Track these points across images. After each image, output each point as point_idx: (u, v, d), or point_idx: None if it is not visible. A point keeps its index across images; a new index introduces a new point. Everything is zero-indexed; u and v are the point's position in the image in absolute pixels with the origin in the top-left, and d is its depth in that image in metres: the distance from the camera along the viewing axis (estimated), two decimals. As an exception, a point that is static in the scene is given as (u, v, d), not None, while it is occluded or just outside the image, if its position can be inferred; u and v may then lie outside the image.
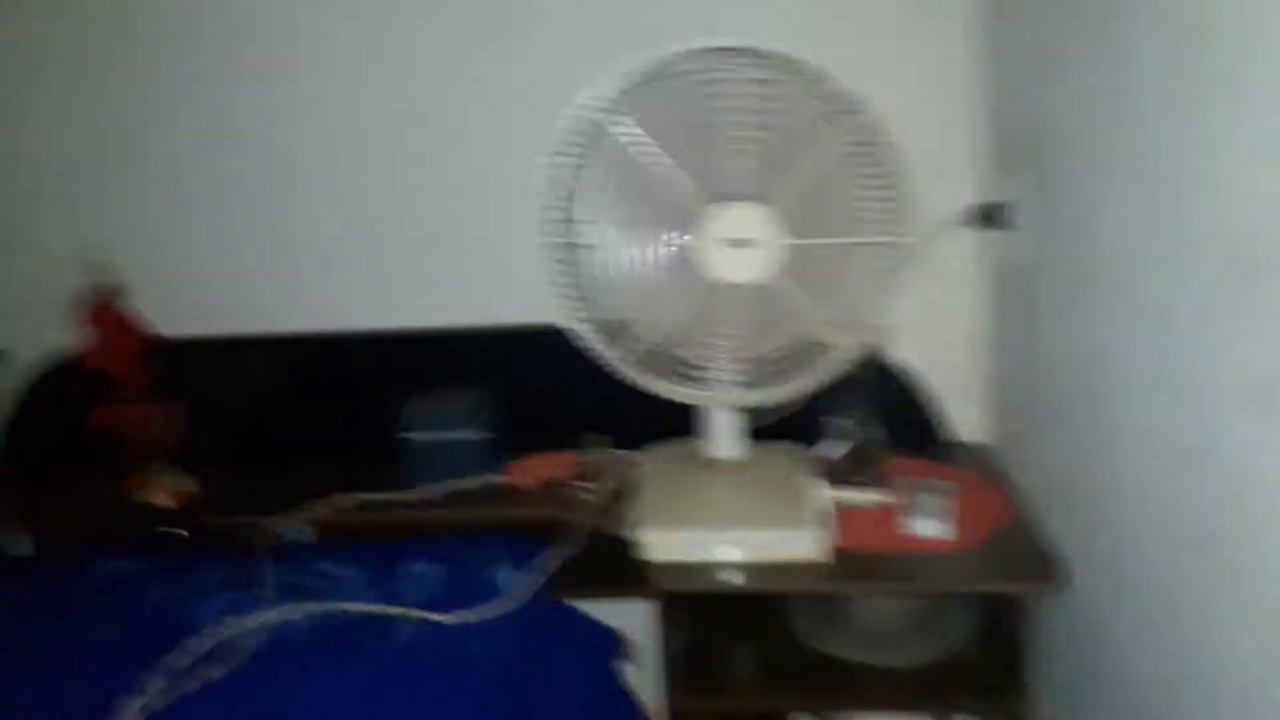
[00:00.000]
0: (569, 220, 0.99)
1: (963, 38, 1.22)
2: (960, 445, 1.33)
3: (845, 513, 1.11)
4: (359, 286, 1.38)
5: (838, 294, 1.02)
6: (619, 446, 1.29)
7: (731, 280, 0.98)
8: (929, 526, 1.08)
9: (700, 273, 0.99)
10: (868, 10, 1.23)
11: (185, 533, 1.23)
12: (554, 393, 1.32)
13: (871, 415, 1.21)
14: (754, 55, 0.92)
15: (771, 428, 1.15)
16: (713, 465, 1.15)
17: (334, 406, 1.40)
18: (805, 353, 1.04)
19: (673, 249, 0.99)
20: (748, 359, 1.02)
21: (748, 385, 1.04)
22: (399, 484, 1.25)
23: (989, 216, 1.18)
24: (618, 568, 1.06)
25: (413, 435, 1.24)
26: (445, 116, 1.31)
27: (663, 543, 1.06)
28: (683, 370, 1.04)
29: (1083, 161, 0.94)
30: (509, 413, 1.30)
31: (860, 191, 0.98)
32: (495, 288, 1.33)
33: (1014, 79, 1.14)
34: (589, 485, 1.22)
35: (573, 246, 0.99)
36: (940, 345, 1.28)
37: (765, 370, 1.04)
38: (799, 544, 1.05)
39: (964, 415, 1.33)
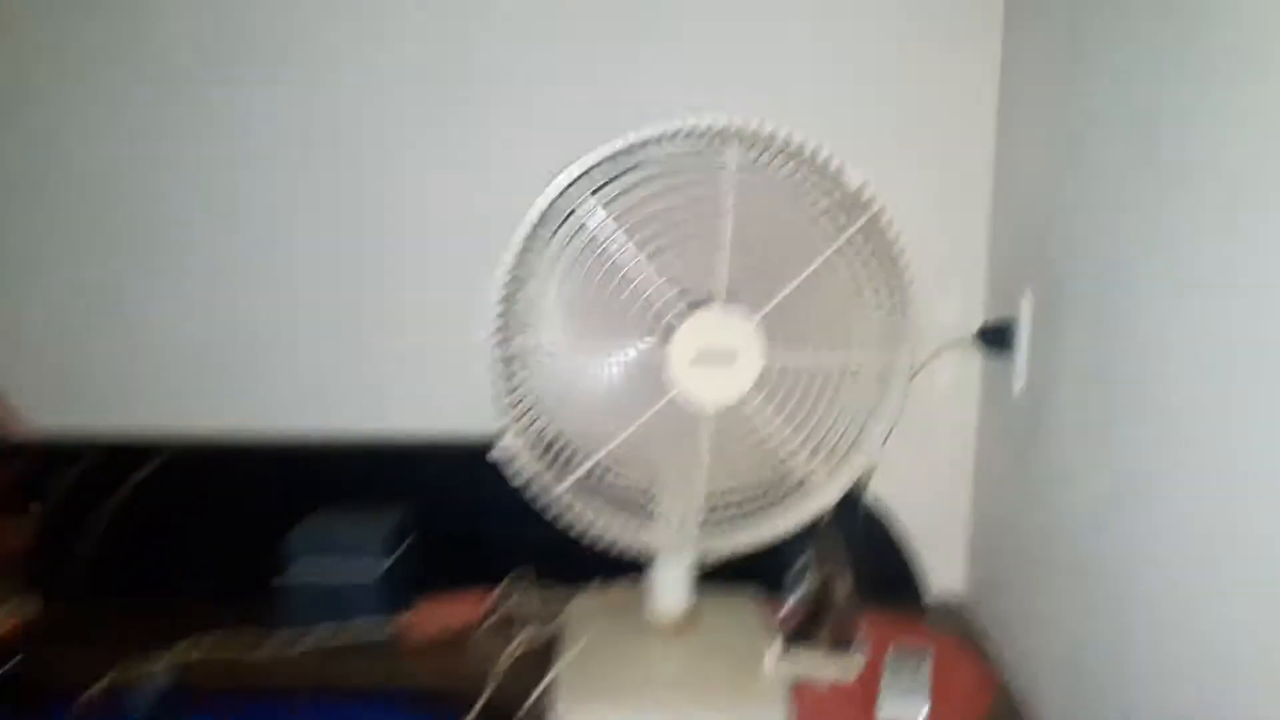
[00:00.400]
0: (517, 318, 0.80)
1: (989, 129, 1.10)
2: (938, 599, 1.15)
3: (805, 687, 0.92)
4: (256, 383, 1.16)
5: (820, 422, 0.85)
6: (553, 584, 1.08)
7: (700, 400, 0.81)
8: (902, 709, 0.89)
9: (663, 389, 0.81)
10: (879, 91, 1.10)
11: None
12: (478, 517, 1.10)
13: (840, 561, 1.03)
14: (745, 138, 0.77)
15: (725, 568, 0.96)
16: (653, 622, 0.95)
17: (215, 524, 1.15)
18: (776, 491, 0.86)
19: (635, 358, 0.81)
20: (707, 494, 0.84)
21: (705, 526, 0.85)
22: (279, 626, 1.01)
23: (993, 337, 1.03)
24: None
25: (297, 570, 1.01)
26: (370, 191, 1.13)
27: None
28: (628, 504, 0.85)
29: (1100, 268, 0.81)
30: (422, 541, 1.09)
31: (858, 302, 0.83)
32: (418, 390, 1.13)
33: (1023, 181, 1.03)
34: (500, 639, 1.00)
35: (517, 348, 0.80)
36: (922, 484, 1.11)
37: (727, 510, 0.86)
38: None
39: (944, 565, 1.16)
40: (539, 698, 0.87)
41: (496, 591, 1.07)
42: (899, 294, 0.82)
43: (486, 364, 0.79)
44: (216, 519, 1.13)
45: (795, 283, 0.79)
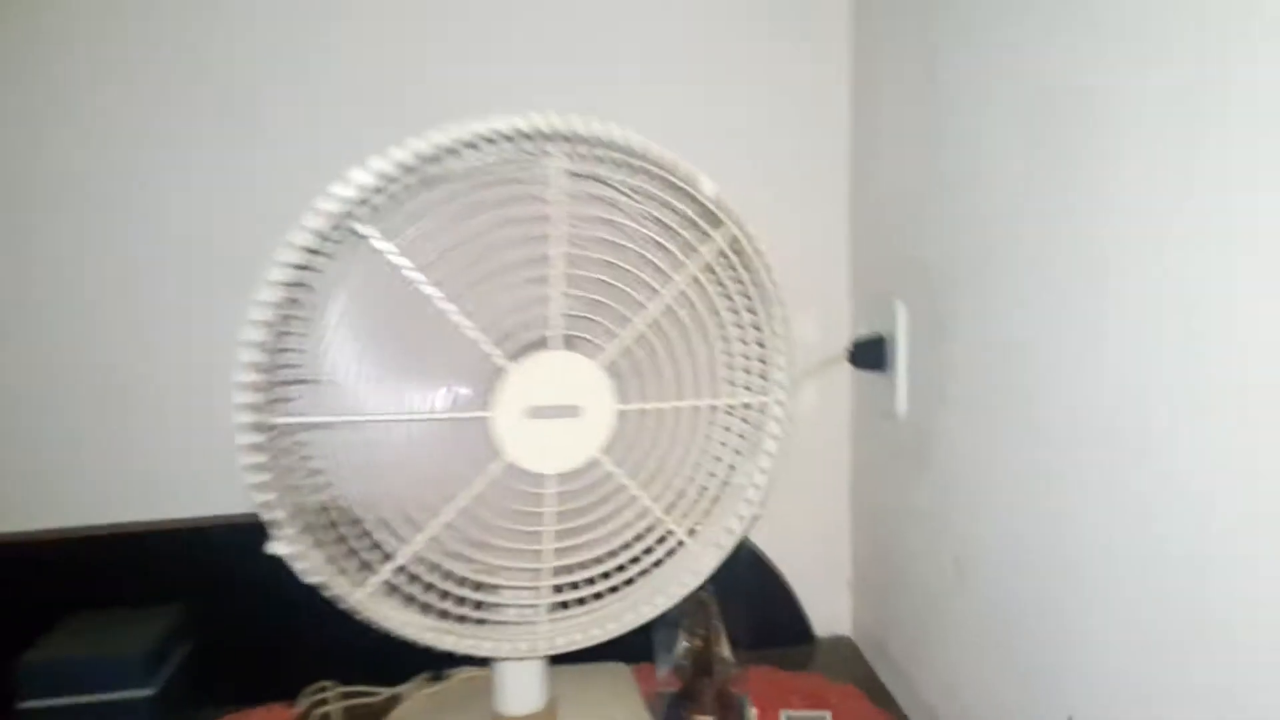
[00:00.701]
0: (287, 377, 0.62)
1: (843, 128, 0.99)
2: (823, 638, 1.04)
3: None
4: None
5: (684, 474, 0.70)
6: (369, 688, 0.90)
7: (539, 465, 0.64)
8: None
9: (490, 454, 0.64)
10: (719, 91, 0.97)
11: None
12: (268, 615, 0.90)
13: (715, 612, 0.89)
14: (573, 139, 0.61)
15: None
16: (503, 722, 0.79)
17: None
18: (640, 561, 0.71)
19: (449, 420, 0.64)
20: (555, 575, 0.68)
21: (556, 618, 0.69)
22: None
23: (865, 355, 0.92)
24: None
25: (42, 690, 0.79)
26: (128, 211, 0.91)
27: None
28: (457, 601, 0.68)
29: (979, 271, 0.71)
30: (200, 648, 0.88)
31: (722, 334, 0.69)
32: (192, 464, 0.92)
33: (885, 180, 0.92)
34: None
35: (288, 414, 0.61)
36: (795, 517, 0.98)
37: (585, 590, 0.70)
38: None
39: (826, 603, 1.04)
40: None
41: (300, 705, 0.88)
42: (770, 320, 0.68)
43: (240, 440, 0.59)
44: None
45: (647, 316, 0.64)
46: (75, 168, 0.89)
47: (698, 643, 0.89)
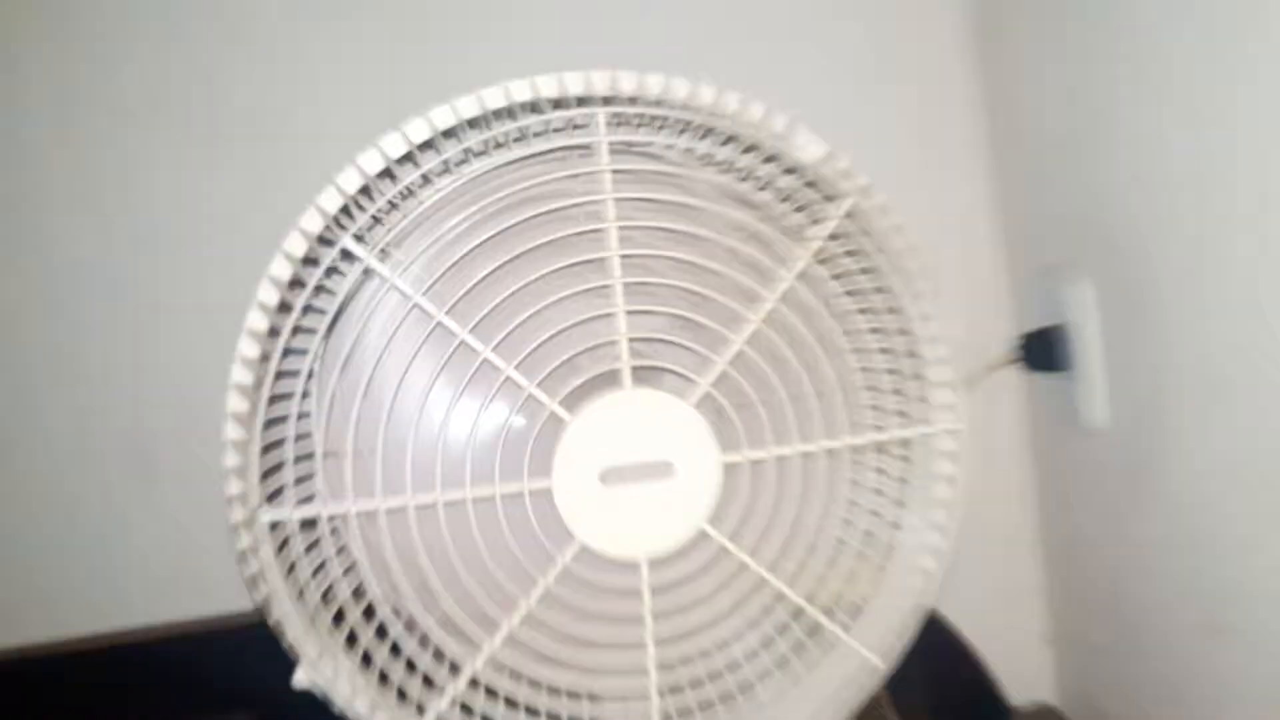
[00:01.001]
0: (303, 465, 0.48)
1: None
2: (1023, 712, 0.83)
3: None
4: None
5: (823, 542, 0.53)
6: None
7: (622, 550, 0.48)
8: None
9: (558, 538, 0.48)
10: (841, 52, 0.79)
11: None
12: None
13: (884, 703, 0.71)
14: (625, 104, 0.45)
15: None
16: None
17: None
18: (782, 656, 0.53)
19: (501, 502, 0.49)
20: (663, 684, 0.51)
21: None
22: None
23: (1037, 352, 0.72)
24: None
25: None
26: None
27: None
28: (548, 715, 0.52)
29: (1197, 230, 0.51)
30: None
31: (849, 344, 0.51)
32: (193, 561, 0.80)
33: (1046, 130, 0.72)
34: None
35: (306, 512, 0.47)
36: (973, 566, 0.78)
37: (705, 710, 0.53)
38: None
39: (1020, 668, 0.84)
40: None
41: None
42: (917, 318, 0.50)
43: (237, 544, 0.45)
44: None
45: (749, 329, 0.47)
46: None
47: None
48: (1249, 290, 0.50)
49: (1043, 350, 0.73)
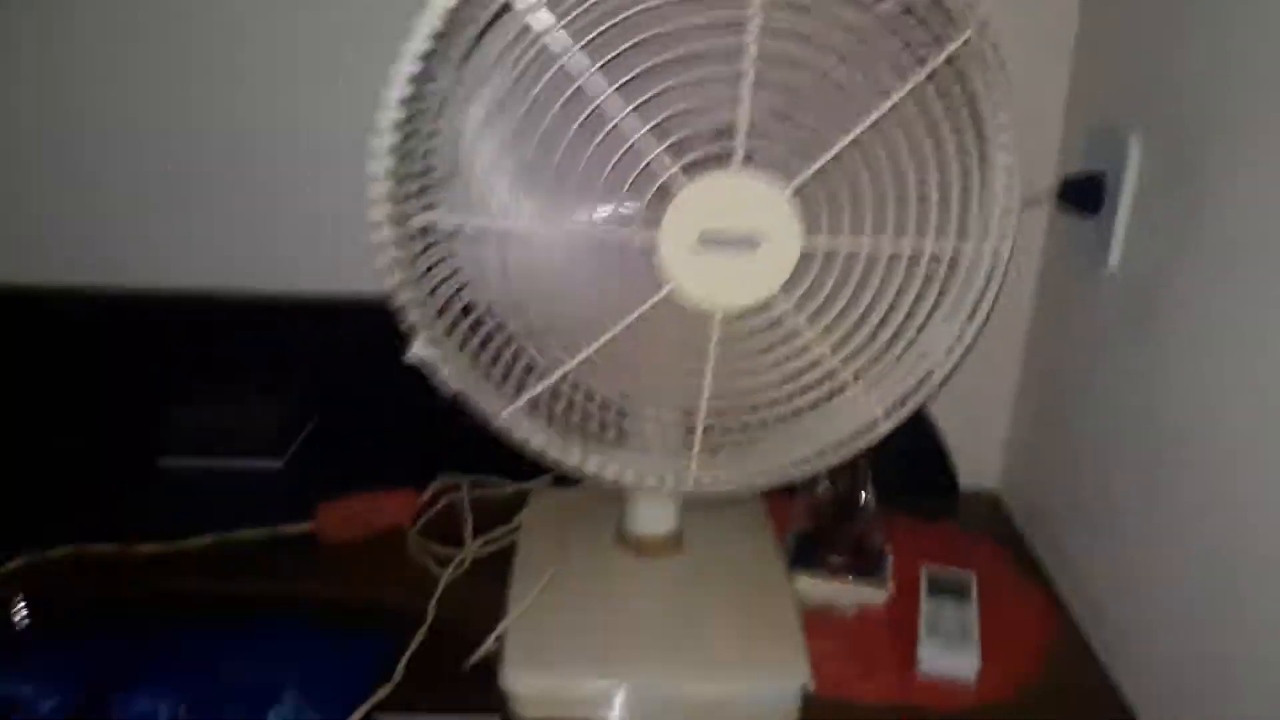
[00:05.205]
0: (428, 170, 0.54)
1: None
2: (967, 494, 0.97)
3: (819, 623, 0.75)
4: (123, 237, 0.89)
5: (868, 325, 0.61)
6: (494, 480, 0.89)
7: (707, 300, 0.56)
8: (949, 663, 0.72)
9: (652, 281, 0.56)
10: None
11: None
12: (393, 397, 0.87)
13: (860, 455, 0.83)
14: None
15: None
16: (631, 543, 0.76)
17: (70, 391, 0.91)
18: (799, 417, 0.64)
19: (611, 237, 0.56)
20: (709, 415, 0.62)
21: (703, 455, 0.64)
22: (156, 528, 0.80)
23: (1076, 194, 0.79)
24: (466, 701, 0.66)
25: (180, 451, 0.80)
26: None
27: (537, 692, 0.66)
28: (601, 427, 0.63)
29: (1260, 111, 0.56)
30: (325, 429, 0.87)
31: (935, 161, 0.57)
32: (320, 239, 0.87)
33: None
34: (436, 549, 0.81)
35: (428, 219, 0.54)
36: (961, 379, 0.89)
37: (736, 434, 0.64)
38: (762, 699, 0.67)
39: (976, 455, 0.97)
40: (489, 641, 0.69)
41: (429, 490, 0.87)
42: (998, 150, 0.56)
43: (376, 237, 0.53)
44: (71, 384, 0.90)
45: (850, 136, 0.53)
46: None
47: (841, 484, 0.84)
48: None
49: (1080, 193, 0.79)
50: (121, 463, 0.83)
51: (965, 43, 0.52)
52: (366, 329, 0.84)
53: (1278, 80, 0.56)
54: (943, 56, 0.53)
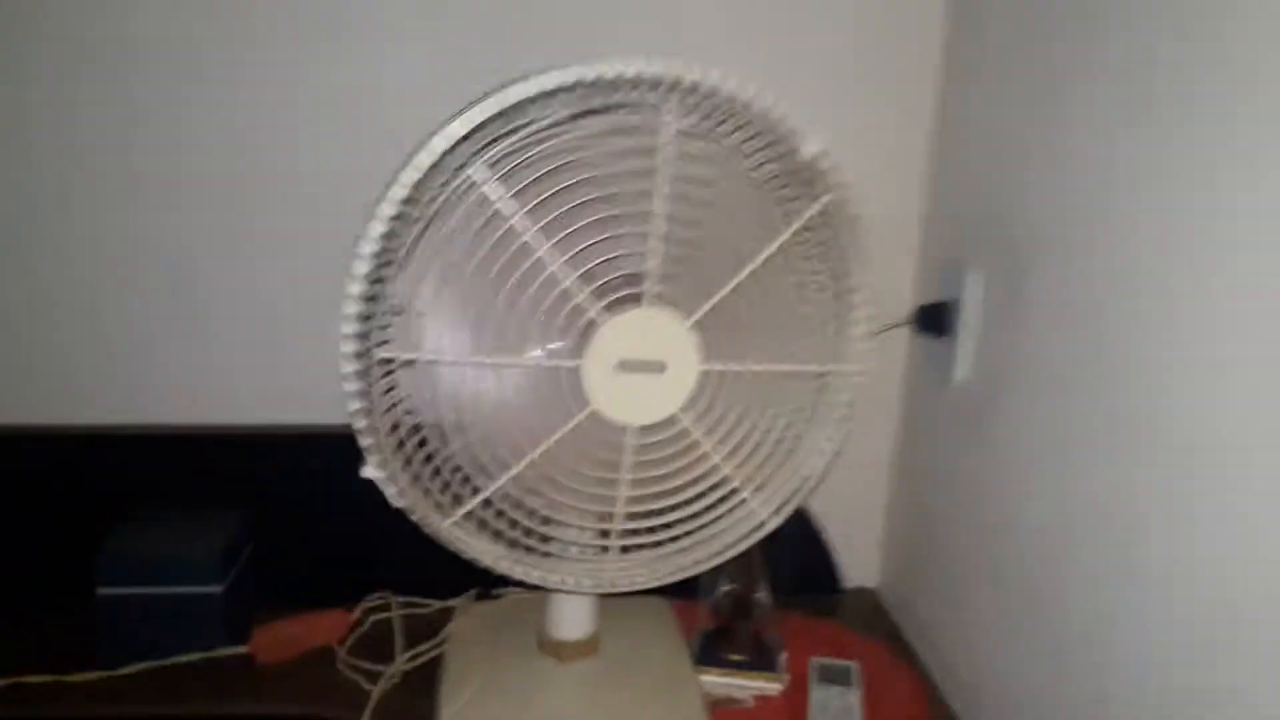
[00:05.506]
0: (388, 312, 0.63)
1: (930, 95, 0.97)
2: (850, 593, 1.07)
3: (723, 713, 0.82)
4: (73, 373, 0.94)
5: (754, 434, 0.72)
6: (419, 599, 0.94)
7: (624, 416, 0.67)
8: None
9: (577, 402, 0.66)
10: (812, 47, 0.95)
11: None
12: (324, 524, 0.94)
13: (756, 559, 0.93)
14: (687, 92, 0.61)
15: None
16: (552, 649, 0.83)
17: (16, 524, 0.94)
18: (704, 514, 0.74)
19: (542, 367, 0.66)
20: (625, 519, 0.71)
21: (622, 556, 0.72)
22: (95, 655, 0.84)
23: (929, 319, 0.93)
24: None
25: (119, 579, 0.83)
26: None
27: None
28: (529, 533, 0.71)
29: (1073, 252, 0.71)
30: (257, 552, 0.92)
31: (803, 297, 0.70)
32: (260, 373, 0.95)
33: (978, 146, 0.91)
34: (366, 665, 0.85)
35: (388, 352, 0.63)
36: (839, 476, 1.00)
37: (648, 535, 0.73)
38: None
39: (856, 560, 1.08)
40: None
41: (358, 609, 0.92)
42: (857, 288, 0.69)
43: (343, 369, 0.61)
44: (17, 518, 0.93)
45: (735, 280, 0.65)
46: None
47: (738, 586, 0.93)
48: (1089, 304, 0.70)
49: (932, 318, 0.93)
50: (60, 593, 0.85)
51: (828, 202, 0.66)
52: (297, 460, 0.92)
53: (1082, 223, 0.71)
54: (810, 213, 0.66)
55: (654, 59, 0.59)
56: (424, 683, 0.82)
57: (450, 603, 0.93)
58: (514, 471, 0.66)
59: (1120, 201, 0.65)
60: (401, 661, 0.85)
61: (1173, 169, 0.59)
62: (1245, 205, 0.54)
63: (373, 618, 0.92)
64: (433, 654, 0.87)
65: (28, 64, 0.86)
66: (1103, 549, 0.66)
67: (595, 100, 0.61)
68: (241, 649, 0.86)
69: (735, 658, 0.89)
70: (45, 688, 0.80)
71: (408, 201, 0.59)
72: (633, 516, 0.71)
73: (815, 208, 0.66)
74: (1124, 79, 0.65)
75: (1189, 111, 0.58)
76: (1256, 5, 0.54)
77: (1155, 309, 0.61)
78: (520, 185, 0.61)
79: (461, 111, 0.58)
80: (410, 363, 0.64)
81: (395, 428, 0.66)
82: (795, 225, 0.66)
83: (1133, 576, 0.63)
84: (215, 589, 0.84)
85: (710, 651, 0.89)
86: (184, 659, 0.84)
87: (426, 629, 0.90)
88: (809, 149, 0.65)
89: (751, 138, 0.65)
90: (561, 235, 0.61)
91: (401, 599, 0.94)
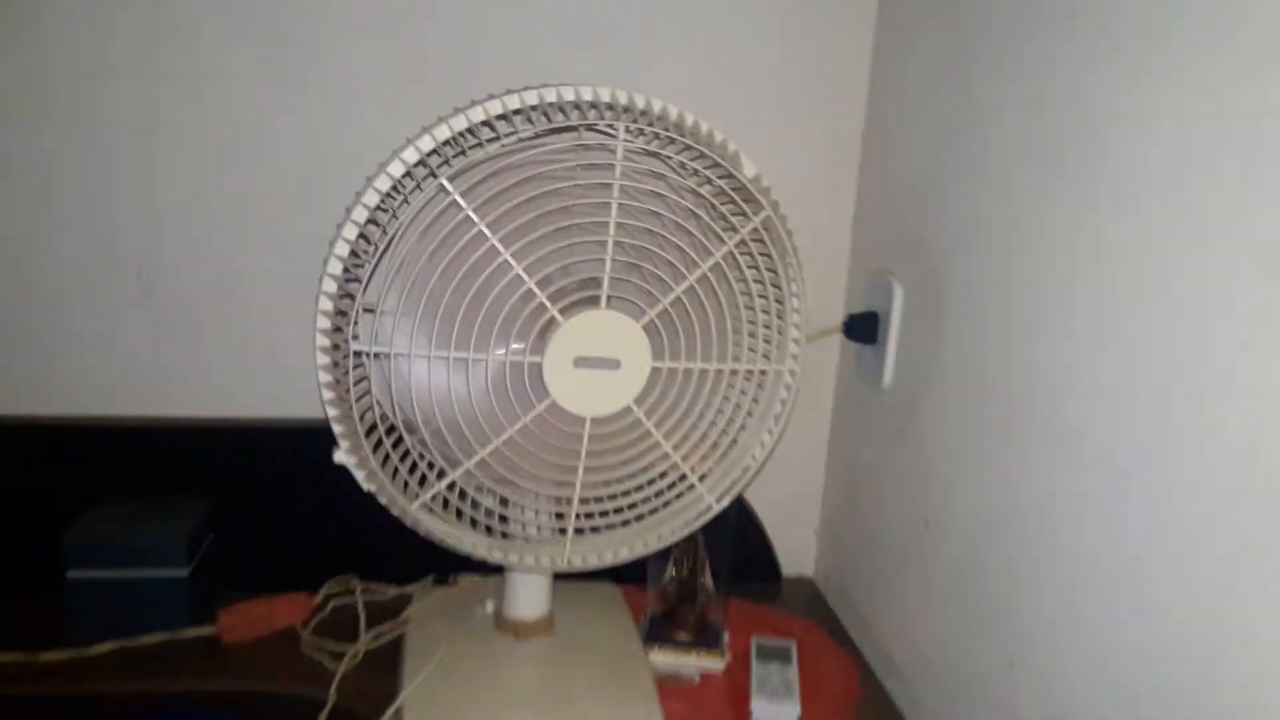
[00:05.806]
0: (360, 310, 0.69)
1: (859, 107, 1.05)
2: (788, 581, 1.14)
3: (671, 689, 0.88)
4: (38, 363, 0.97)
5: (699, 425, 0.79)
6: (374, 581, 0.99)
7: (580, 408, 0.73)
8: (769, 711, 0.87)
9: (537, 394, 0.72)
10: (745, 67, 1.02)
11: None
12: (286, 512, 0.98)
13: (700, 547, 0.99)
14: (637, 116, 0.68)
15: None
16: (509, 628, 0.88)
17: None
18: (653, 499, 0.80)
19: (505, 362, 0.72)
20: (580, 504, 0.77)
21: (576, 539, 0.78)
22: (66, 636, 0.87)
23: (858, 328, 1.00)
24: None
25: (78, 571, 0.86)
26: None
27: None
28: (490, 515, 0.77)
29: (984, 267, 0.79)
30: (222, 539, 0.96)
31: (745, 304, 0.77)
32: (228, 367, 0.99)
33: (900, 168, 0.99)
34: (327, 646, 0.90)
35: (359, 347, 0.68)
36: (775, 468, 1.08)
37: (601, 519, 0.79)
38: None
39: (793, 550, 1.15)
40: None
41: (321, 592, 0.96)
42: (791, 296, 0.76)
43: (318, 361, 0.67)
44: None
45: (685, 284, 0.72)
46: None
47: (684, 572, 0.99)
48: (998, 312, 0.78)
49: (861, 327, 1.01)
50: (32, 577, 0.89)
51: (765, 218, 0.72)
52: (259, 450, 0.96)
53: (994, 239, 0.79)
54: (749, 228, 0.72)
55: (606, 87, 0.66)
56: (386, 661, 0.87)
57: (408, 588, 0.98)
58: (479, 457, 0.72)
59: (1027, 219, 0.73)
60: (366, 640, 0.90)
61: (1076, 189, 0.67)
62: (1134, 223, 0.62)
63: (333, 602, 0.96)
64: (395, 634, 0.91)
65: None
66: (1017, 536, 0.74)
67: (558, 119, 0.67)
68: (208, 629, 0.89)
69: (682, 638, 0.95)
70: (17, 666, 0.84)
71: (380, 208, 0.65)
72: (589, 500, 0.77)
73: (753, 223, 0.73)
74: (1033, 106, 0.73)
75: (1091, 137, 0.66)
76: (1157, 37, 0.62)
77: (1058, 318, 0.69)
78: (488, 195, 0.67)
79: (432, 127, 0.64)
80: (381, 356, 0.69)
81: (364, 416, 0.71)
82: (735, 239, 0.73)
83: (1043, 559, 0.70)
84: (181, 572, 0.88)
85: (658, 632, 0.96)
86: (152, 639, 0.88)
87: (385, 613, 0.94)
88: (748, 170, 0.71)
89: (697, 158, 0.72)
90: (525, 241, 0.67)
91: (362, 584, 0.98)
